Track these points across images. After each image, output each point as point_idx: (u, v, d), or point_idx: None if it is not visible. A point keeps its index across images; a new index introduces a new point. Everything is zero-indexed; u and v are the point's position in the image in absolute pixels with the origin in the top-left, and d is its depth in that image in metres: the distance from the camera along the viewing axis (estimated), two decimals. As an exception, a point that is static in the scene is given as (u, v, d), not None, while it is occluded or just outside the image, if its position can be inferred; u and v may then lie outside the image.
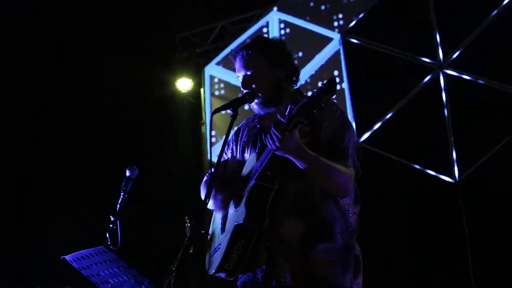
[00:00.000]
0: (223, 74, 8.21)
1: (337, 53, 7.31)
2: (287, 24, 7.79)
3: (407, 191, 6.38)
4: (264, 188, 2.72)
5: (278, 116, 2.61)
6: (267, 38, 3.11)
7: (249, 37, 7.90)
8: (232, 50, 3.04)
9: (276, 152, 2.62)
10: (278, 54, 2.96)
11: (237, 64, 2.97)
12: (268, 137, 2.60)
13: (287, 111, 2.56)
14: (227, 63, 8.13)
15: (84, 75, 7.46)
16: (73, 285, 3.39)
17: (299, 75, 3.00)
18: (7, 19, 6.97)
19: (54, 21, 7.31)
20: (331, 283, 2.69)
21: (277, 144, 2.57)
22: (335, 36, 7.34)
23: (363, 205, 2.90)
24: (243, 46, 3.00)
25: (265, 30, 7.92)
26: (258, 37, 3.15)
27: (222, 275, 2.78)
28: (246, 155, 2.99)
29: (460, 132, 6.41)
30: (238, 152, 3.08)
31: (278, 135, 2.55)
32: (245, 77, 2.93)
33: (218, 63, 8.30)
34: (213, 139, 8.04)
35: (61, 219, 6.89)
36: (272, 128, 2.58)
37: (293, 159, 2.65)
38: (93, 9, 7.44)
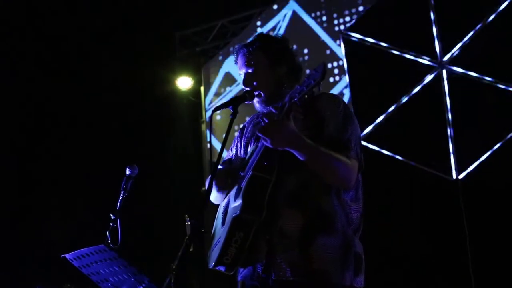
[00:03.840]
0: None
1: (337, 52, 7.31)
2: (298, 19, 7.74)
3: (407, 189, 6.39)
4: (261, 178, 2.69)
5: (271, 108, 2.61)
6: (268, 35, 3.10)
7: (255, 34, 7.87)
8: (234, 47, 3.04)
9: (271, 145, 2.61)
10: (278, 50, 2.96)
11: (239, 62, 2.98)
12: (260, 129, 2.60)
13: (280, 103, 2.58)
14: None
15: (84, 74, 7.46)
16: (73, 284, 3.39)
17: (301, 71, 2.99)
18: (6, 19, 6.97)
19: (54, 20, 7.30)
20: (330, 279, 2.66)
21: (270, 134, 2.57)
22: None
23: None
24: (245, 44, 3.00)
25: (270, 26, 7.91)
26: (259, 34, 3.14)
27: (222, 268, 2.76)
28: (249, 150, 2.99)
29: (460, 130, 6.42)
30: (241, 148, 3.08)
31: (268, 124, 2.57)
32: (246, 75, 2.94)
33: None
34: (213, 138, 8.04)
35: (61, 217, 6.89)
36: (264, 118, 2.59)
37: (291, 151, 2.63)
38: (93, 8, 7.44)
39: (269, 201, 2.68)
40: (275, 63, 2.92)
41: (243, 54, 2.96)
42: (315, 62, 3.05)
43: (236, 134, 3.18)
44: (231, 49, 3.14)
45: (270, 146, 2.63)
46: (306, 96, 2.52)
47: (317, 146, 2.64)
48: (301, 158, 2.65)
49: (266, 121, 2.61)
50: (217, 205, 3.06)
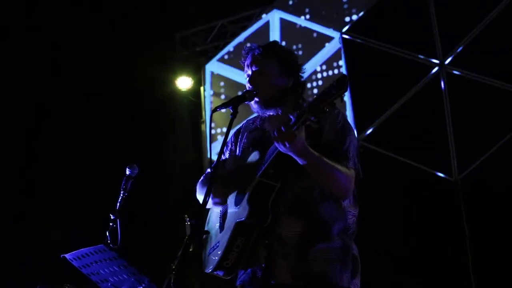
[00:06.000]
0: (224, 71, 8.21)
1: (337, 52, 7.31)
2: (287, 23, 7.78)
3: (407, 189, 6.38)
4: (268, 185, 2.72)
5: (290, 116, 2.61)
6: (283, 46, 3.14)
7: (248, 36, 7.90)
8: (246, 45, 3.02)
9: (282, 150, 2.61)
10: (290, 62, 2.98)
11: (248, 60, 2.98)
12: (276, 134, 2.59)
13: (294, 113, 2.55)
14: (228, 61, 8.14)
15: (84, 74, 7.46)
16: (73, 284, 3.39)
17: (304, 89, 3.01)
18: (6, 19, 6.97)
19: (54, 20, 7.30)
20: (329, 282, 2.69)
21: (286, 142, 2.56)
22: (335, 35, 7.33)
23: (362, 204, 2.90)
24: (259, 45, 3.00)
25: (265, 29, 7.91)
26: (275, 42, 3.17)
27: (220, 273, 2.77)
28: (249, 157, 2.98)
29: (460, 130, 6.41)
30: (238, 153, 3.08)
31: (286, 133, 2.55)
32: (254, 72, 2.94)
33: (219, 60, 8.30)
34: (213, 138, 8.04)
35: (61, 217, 6.89)
36: (282, 127, 2.58)
37: (296, 157, 2.64)
38: (93, 8, 7.44)
39: (270, 208, 2.70)
40: (284, 72, 2.93)
41: (255, 53, 2.95)
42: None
43: (230, 138, 3.16)
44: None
45: (280, 149, 2.62)
46: (326, 108, 2.48)
47: (320, 156, 2.65)
48: (302, 165, 2.66)
49: (284, 130, 2.56)
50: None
